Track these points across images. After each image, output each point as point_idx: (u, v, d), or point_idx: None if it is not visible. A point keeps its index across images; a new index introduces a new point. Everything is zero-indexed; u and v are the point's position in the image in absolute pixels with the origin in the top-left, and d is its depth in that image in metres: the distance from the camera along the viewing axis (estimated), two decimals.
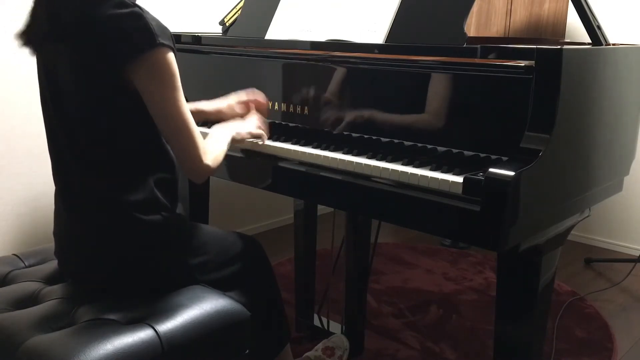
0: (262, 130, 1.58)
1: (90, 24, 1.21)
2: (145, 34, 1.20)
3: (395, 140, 1.48)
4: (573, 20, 2.78)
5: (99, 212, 1.30)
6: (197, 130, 1.29)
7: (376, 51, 1.53)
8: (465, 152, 1.37)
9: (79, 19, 1.22)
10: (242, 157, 1.66)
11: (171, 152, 1.34)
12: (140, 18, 1.20)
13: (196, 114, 1.54)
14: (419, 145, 1.44)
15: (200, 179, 1.35)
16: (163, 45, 1.21)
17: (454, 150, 1.39)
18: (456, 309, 2.41)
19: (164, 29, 1.24)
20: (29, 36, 1.29)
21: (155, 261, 1.33)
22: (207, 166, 1.32)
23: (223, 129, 1.49)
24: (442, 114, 1.42)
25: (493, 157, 1.32)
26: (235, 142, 1.50)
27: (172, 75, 1.24)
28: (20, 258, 1.51)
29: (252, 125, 1.56)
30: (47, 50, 1.29)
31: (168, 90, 1.24)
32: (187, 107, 1.28)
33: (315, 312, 2.15)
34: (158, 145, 1.33)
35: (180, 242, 1.36)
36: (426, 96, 1.43)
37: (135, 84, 1.24)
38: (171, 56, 1.24)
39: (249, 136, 1.55)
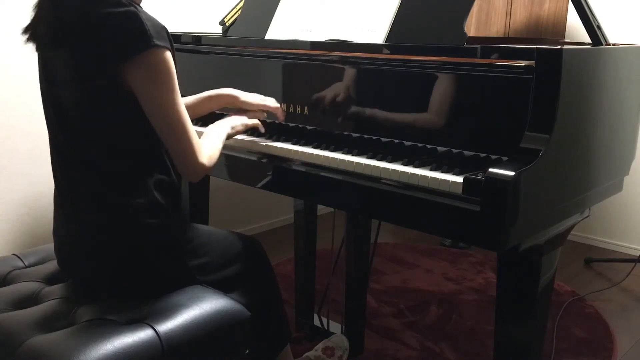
0: (256, 121, 1.59)
1: (86, 23, 1.21)
2: (140, 35, 1.19)
3: (395, 140, 1.48)
4: (573, 20, 2.78)
5: (99, 214, 1.29)
6: (192, 129, 1.29)
7: (377, 51, 1.53)
8: (465, 152, 1.37)
9: (77, 18, 1.21)
10: (242, 157, 1.66)
11: (166, 153, 1.33)
12: (135, 18, 1.19)
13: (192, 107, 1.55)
14: (419, 145, 1.45)
15: (196, 178, 1.35)
16: (158, 46, 1.20)
17: (454, 150, 1.39)
18: (456, 309, 2.41)
19: (160, 29, 1.23)
20: (34, 37, 1.29)
21: (156, 263, 1.32)
22: (203, 165, 1.32)
23: (217, 126, 1.50)
24: (442, 114, 1.42)
25: (493, 157, 1.32)
26: (231, 137, 1.50)
27: (167, 76, 1.24)
28: (20, 258, 1.51)
29: (244, 117, 1.57)
30: (48, 50, 1.29)
31: (163, 91, 1.24)
32: (183, 107, 1.28)
33: (315, 312, 2.15)
34: (155, 147, 1.32)
35: (181, 244, 1.36)
36: (426, 96, 1.43)
37: (130, 84, 1.23)
38: (167, 56, 1.23)
39: (244, 128, 1.55)
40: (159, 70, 1.23)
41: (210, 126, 1.50)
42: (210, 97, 1.63)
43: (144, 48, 1.20)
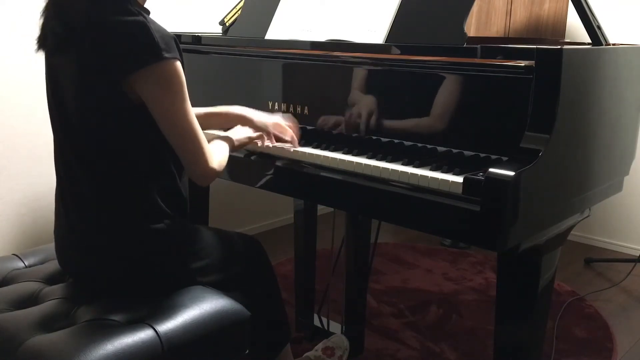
0: (260, 133, 1.58)
1: (93, 30, 1.20)
2: (149, 47, 1.18)
3: (395, 140, 1.48)
4: (573, 20, 2.78)
5: (101, 217, 1.29)
6: (203, 136, 1.30)
7: (377, 51, 1.52)
8: (465, 152, 1.37)
9: (84, 24, 1.20)
10: (242, 157, 1.66)
11: (170, 159, 1.33)
12: (144, 29, 1.18)
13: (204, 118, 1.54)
14: (419, 145, 1.45)
15: (207, 182, 1.35)
16: (167, 58, 1.19)
17: (454, 150, 1.39)
18: (456, 309, 2.41)
19: (169, 39, 1.21)
20: (43, 44, 1.28)
21: (157, 266, 1.32)
22: (214, 170, 1.32)
23: (223, 138, 1.49)
24: (442, 114, 1.42)
25: (493, 157, 1.32)
26: (234, 149, 1.50)
27: (177, 86, 1.23)
28: (20, 258, 1.51)
29: (249, 130, 1.57)
30: (54, 56, 1.28)
31: (174, 100, 1.23)
32: (193, 115, 1.28)
33: (315, 312, 2.15)
34: (159, 153, 1.32)
35: (183, 247, 1.36)
36: (426, 96, 1.43)
37: (139, 93, 1.22)
38: (177, 67, 1.22)
39: (247, 140, 1.55)
40: (169, 81, 1.22)
41: (216, 139, 1.49)
42: (220, 114, 1.59)
43: (153, 61, 1.19)
